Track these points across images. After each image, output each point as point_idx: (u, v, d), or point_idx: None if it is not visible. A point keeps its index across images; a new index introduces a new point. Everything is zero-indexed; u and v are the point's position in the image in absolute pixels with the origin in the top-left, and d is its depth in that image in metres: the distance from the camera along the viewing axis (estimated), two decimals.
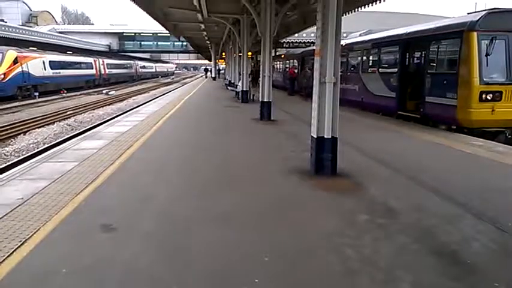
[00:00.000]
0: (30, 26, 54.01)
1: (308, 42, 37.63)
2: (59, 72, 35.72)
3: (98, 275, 3.40)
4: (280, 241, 4.11)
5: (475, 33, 9.84)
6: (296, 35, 33.12)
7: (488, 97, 9.76)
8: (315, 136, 6.51)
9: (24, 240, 3.99)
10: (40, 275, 3.40)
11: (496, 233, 4.29)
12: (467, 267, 3.57)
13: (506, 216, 4.71)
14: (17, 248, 3.83)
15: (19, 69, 28.67)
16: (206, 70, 63.97)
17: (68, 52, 43.65)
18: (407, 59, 13.49)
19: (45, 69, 33.05)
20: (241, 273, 3.46)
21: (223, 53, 41.89)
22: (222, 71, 55.86)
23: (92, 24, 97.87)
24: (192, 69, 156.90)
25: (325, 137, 6.44)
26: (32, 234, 4.12)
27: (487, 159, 7.71)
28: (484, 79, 9.77)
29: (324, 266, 3.60)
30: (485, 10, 10.32)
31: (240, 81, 20.22)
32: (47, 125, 18.11)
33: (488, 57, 9.68)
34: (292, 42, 39.02)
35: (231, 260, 3.69)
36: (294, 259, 3.74)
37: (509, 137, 10.06)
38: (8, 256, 3.67)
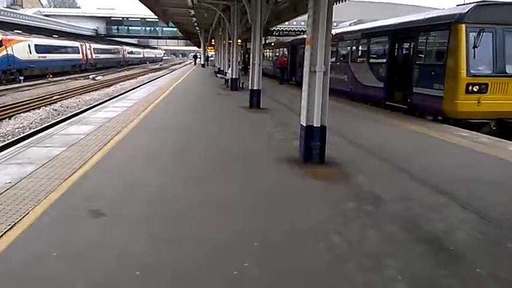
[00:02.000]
0: (15, 9, 52.79)
1: (298, 30, 37.53)
2: (45, 56, 35.13)
3: (89, 259, 3.42)
4: (269, 227, 4.17)
5: (463, 26, 9.93)
6: (286, 23, 33.08)
7: (475, 89, 9.90)
8: (304, 125, 6.56)
9: (13, 223, 3.98)
10: (31, 258, 3.41)
11: (480, 222, 4.41)
12: (451, 254, 3.68)
13: (490, 206, 4.84)
14: (6, 231, 3.82)
15: (4, 53, 28.12)
16: (195, 57, 63.36)
17: (54, 36, 42.85)
18: (396, 50, 13.55)
19: (30, 52, 32.46)
20: (231, 258, 3.51)
21: (213, 40, 41.53)
22: (212, 58, 55.43)
23: (79, 7, 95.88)
24: (180, 55, 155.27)
25: (315, 125, 6.48)
26: (21, 218, 4.12)
27: (472, 150, 7.86)
28: (471, 71, 9.89)
29: (311, 252, 3.67)
30: (474, 3, 10.41)
31: (230, 68, 20.12)
32: (33, 109, 17.85)
33: (476, 49, 9.78)
34: (282, 30, 38.89)
35: (221, 246, 3.74)
36: (283, 245, 3.80)
37: (494, 128, 10.24)
38: None
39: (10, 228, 3.90)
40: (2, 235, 3.74)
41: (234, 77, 19.05)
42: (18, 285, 3.06)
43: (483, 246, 3.91)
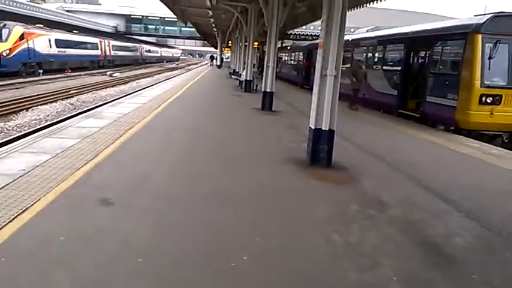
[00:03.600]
0: (38, 3, 53.80)
1: (315, 35, 37.47)
2: (64, 51, 35.79)
3: (95, 244, 3.55)
4: (272, 225, 4.26)
5: (479, 36, 9.89)
6: (304, 27, 33.03)
7: (488, 100, 9.84)
8: (313, 127, 6.63)
9: (25, 208, 4.14)
10: (39, 240, 3.55)
11: (480, 230, 4.44)
12: (448, 259, 3.71)
13: (491, 215, 4.86)
14: (18, 215, 3.98)
15: (25, 46, 28.71)
16: (212, 58, 63.96)
17: (74, 31, 43.63)
18: (411, 58, 13.54)
19: (50, 47, 33.12)
20: (232, 250, 3.61)
21: (230, 42, 41.79)
22: (228, 60, 55.76)
23: (100, 4, 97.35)
24: (197, 55, 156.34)
25: (323, 129, 6.55)
26: (33, 204, 4.27)
27: (481, 160, 7.83)
28: (485, 82, 9.84)
29: (311, 249, 3.75)
30: (492, 13, 10.36)
31: (244, 70, 20.25)
32: (50, 102, 18.21)
33: (491, 60, 9.73)
34: (299, 34, 38.89)
35: (223, 239, 3.84)
36: (283, 241, 3.88)
37: (506, 141, 10.16)
38: (9, 222, 3.82)
39: (22, 212, 4.05)
40: (13, 219, 3.90)
41: (248, 78, 19.18)
42: (25, 265, 3.19)
43: (480, 253, 3.94)
